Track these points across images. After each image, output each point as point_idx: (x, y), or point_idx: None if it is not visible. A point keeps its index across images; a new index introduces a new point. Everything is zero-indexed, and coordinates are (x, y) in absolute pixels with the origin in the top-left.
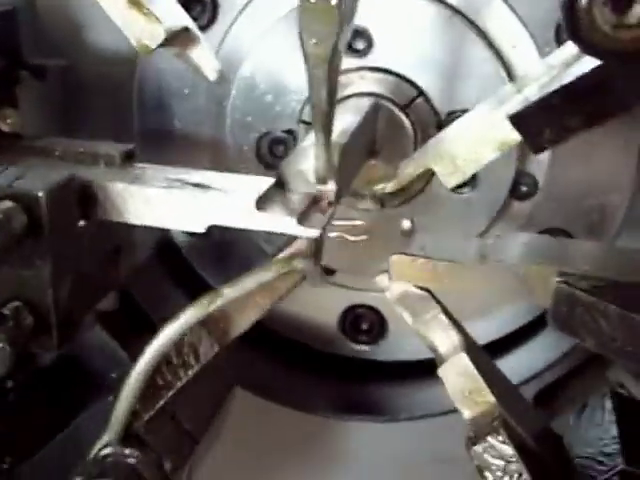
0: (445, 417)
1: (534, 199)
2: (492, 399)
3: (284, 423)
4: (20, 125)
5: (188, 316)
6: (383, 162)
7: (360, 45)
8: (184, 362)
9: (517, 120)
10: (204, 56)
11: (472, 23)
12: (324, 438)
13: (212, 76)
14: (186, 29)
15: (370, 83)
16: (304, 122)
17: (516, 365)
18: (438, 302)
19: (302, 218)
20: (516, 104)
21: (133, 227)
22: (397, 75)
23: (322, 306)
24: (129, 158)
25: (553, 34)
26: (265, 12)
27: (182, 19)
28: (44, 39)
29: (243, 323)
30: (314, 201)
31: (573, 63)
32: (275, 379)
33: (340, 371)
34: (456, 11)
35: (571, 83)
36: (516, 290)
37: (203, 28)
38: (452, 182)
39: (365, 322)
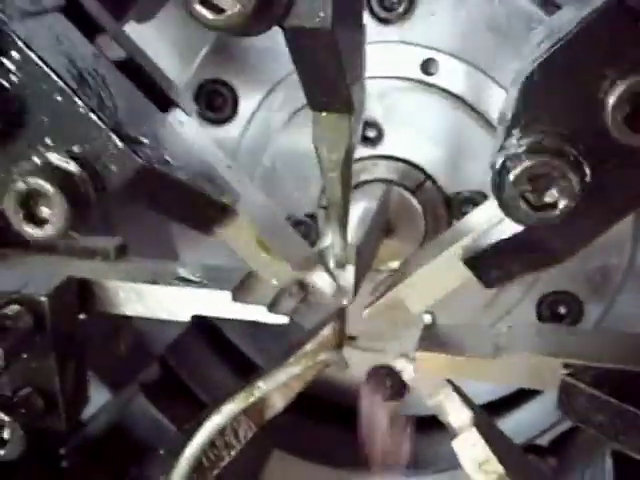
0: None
1: None
2: (501, 469)
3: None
4: None
5: (229, 410)
6: (398, 240)
7: (371, 134)
8: (226, 444)
9: (469, 262)
10: (323, 278)
11: (474, 110)
12: None
13: (330, 291)
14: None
15: (382, 170)
16: (323, 207)
17: (529, 418)
18: (450, 382)
19: (272, 306)
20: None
21: None
22: (406, 162)
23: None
24: (122, 251)
25: None
26: (283, 104)
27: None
28: None
29: (277, 406)
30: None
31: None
32: (309, 438)
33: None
34: (460, 100)
35: (504, 239)
36: (527, 379)
37: (225, 120)
38: (417, 309)
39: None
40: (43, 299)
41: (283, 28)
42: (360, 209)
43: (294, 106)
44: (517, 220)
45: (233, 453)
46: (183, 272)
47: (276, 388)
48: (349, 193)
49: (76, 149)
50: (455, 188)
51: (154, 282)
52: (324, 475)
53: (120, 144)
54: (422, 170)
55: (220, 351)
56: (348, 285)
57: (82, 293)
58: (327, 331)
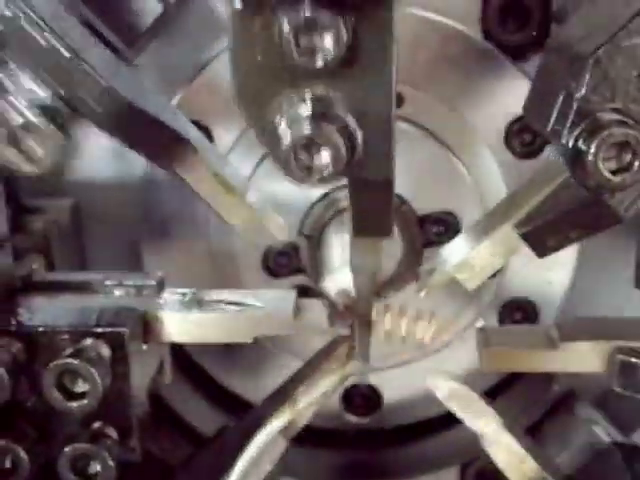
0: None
1: (498, 276)
2: (536, 466)
3: None
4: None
5: (276, 424)
6: None
7: None
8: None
9: (527, 236)
10: (273, 219)
11: (438, 138)
12: None
13: (281, 236)
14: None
15: None
16: (304, 235)
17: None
18: (480, 396)
19: (331, 322)
20: (518, 221)
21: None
22: None
23: None
24: (162, 285)
25: (503, 140)
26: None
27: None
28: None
29: (302, 421)
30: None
31: (561, 184)
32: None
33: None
34: (425, 129)
35: (572, 208)
36: (586, 364)
37: None
38: (472, 285)
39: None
40: (124, 330)
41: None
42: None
43: None
44: (597, 186)
45: (268, 469)
46: (232, 297)
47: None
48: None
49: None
50: (426, 210)
51: (212, 310)
52: None
53: (105, 84)
54: (397, 195)
55: (194, 380)
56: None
57: (144, 325)
58: (343, 348)
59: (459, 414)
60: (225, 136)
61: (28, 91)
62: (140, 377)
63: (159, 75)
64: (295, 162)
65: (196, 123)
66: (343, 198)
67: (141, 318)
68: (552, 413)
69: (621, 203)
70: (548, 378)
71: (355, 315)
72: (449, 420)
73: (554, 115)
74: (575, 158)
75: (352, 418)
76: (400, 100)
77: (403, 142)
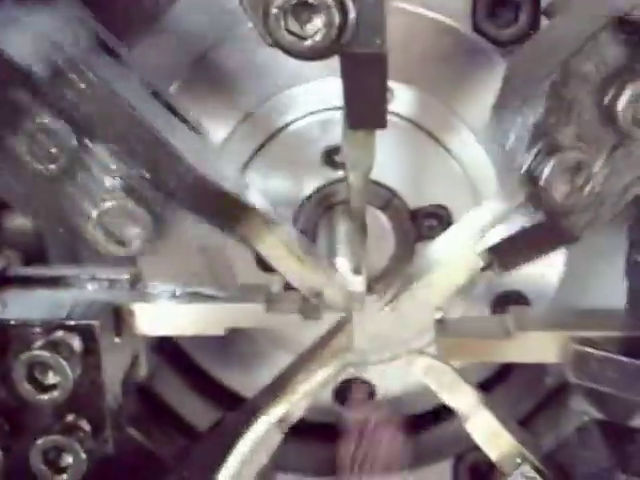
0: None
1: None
2: (512, 440)
3: None
4: None
5: (274, 413)
6: (370, 255)
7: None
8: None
9: (485, 255)
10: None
11: (429, 133)
12: None
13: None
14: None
15: None
16: (300, 231)
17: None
18: (454, 370)
19: (303, 314)
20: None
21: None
22: (375, 182)
23: None
24: (137, 279)
25: None
26: (251, 137)
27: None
28: None
29: (298, 412)
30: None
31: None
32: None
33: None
34: (416, 124)
35: (525, 230)
36: (541, 354)
37: None
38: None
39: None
40: (95, 323)
41: (342, 53)
42: (343, 234)
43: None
44: (552, 209)
45: (264, 461)
46: (205, 291)
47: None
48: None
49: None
50: (418, 204)
51: (187, 302)
52: None
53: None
54: (389, 189)
55: (189, 376)
56: (360, 291)
57: (116, 318)
58: (341, 337)
59: (435, 390)
60: (219, 130)
61: (112, 172)
62: (113, 370)
63: (153, 69)
64: (284, 26)
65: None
66: (336, 193)
67: (113, 311)
68: (545, 406)
69: (575, 225)
70: (540, 370)
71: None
72: (441, 413)
73: (512, 137)
74: (529, 180)
75: (345, 412)
76: (390, 94)
77: (395, 137)
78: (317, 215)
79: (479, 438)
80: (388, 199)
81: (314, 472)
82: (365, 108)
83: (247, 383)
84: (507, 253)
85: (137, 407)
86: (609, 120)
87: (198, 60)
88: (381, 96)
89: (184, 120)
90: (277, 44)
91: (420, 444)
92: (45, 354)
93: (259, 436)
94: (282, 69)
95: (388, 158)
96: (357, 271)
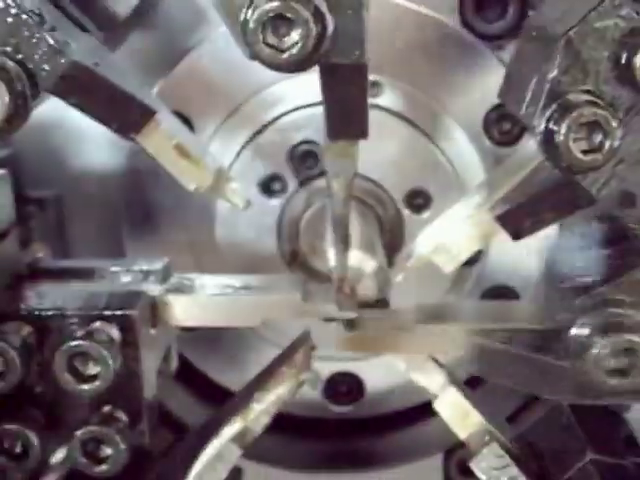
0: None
1: (479, 264)
2: (481, 419)
3: None
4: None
5: (228, 433)
6: None
7: None
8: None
9: (502, 219)
10: (234, 190)
11: (417, 126)
12: None
13: (242, 205)
14: (220, 169)
15: None
16: None
17: None
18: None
19: (339, 305)
20: (494, 204)
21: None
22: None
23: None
24: (169, 270)
25: (482, 128)
26: (239, 132)
27: (215, 161)
28: (32, 173)
29: (258, 429)
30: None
31: (535, 168)
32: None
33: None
34: (404, 118)
35: (545, 189)
36: (440, 347)
37: None
38: (449, 268)
39: (343, 385)
40: (134, 313)
41: (321, 64)
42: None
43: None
44: (569, 166)
45: (222, 477)
46: (239, 282)
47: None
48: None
49: (9, 49)
50: (403, 193)
51: (220, 293)
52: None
53: (52, 42)
54: (374, 181)
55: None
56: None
57: (152, 309)
58: (299, 354)
59: (405, 369)
60: (206, 125)
61: None
62: (149, 361)
63: (139, 65)
64: (262, 38)
65: (176, 113)
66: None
67: (149, 302)
68: (533, 401)
69: (594, 184)
70: None
71: (334, 231)
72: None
73: (527, 98)
74: (547, 139)
75: (334, 407)
76: (379, 89)
77: (381, 130)
78: (304, 208)
79: (448, 417)
80: (373, 191)
81: (303, 467)
82: (346, 119)
83: (236, 378)
84: (521, 218)
85: None
86: (626, 79)
87: (184, 55)
88: (361, 107)
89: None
90: (256, 57)
91: (411, 439)
92: (86, 344)
93: (214, 455)
94: None
95: (374, 151)
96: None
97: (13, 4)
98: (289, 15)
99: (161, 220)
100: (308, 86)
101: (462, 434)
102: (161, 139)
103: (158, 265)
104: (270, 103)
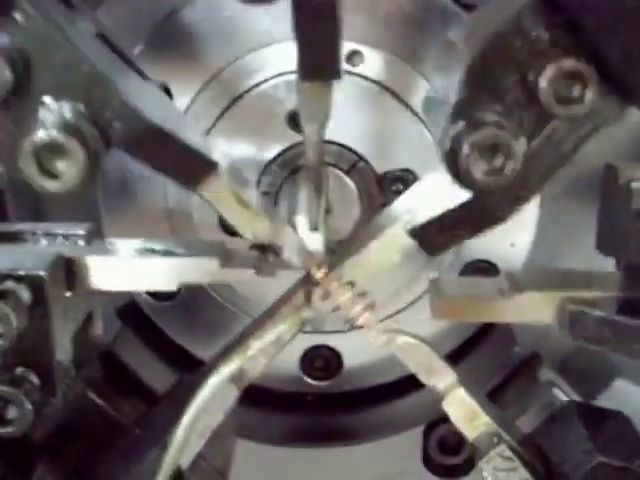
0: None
1: None
2: (489, 421)
3: (257, 458)
4: None
5: (226, 370)
6: (335, 219)
7: None
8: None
9: (414, 234)
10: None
11: (398, 96)
12: (296, 467)
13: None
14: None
15: None
16: (262, 192)
17: None
18: (430, 346)
19: (258, 270)
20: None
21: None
22: (340, 145)
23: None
24: (93, 235)
25: None
26: (220, 94)
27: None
28: None
29: (255, 370)
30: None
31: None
32: (246, 420)
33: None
34: (384, 87)
35: (454, 208)
36: (537, 314)
37: None
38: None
39: (321, 360)
40: (43, 274)
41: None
42: (304, 192)
43: (229, 98)
44: (472, 187)
45: (221, 418)
46: (160, 246)
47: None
48: (324, 157)
49: (82, 107)
50: (385, 168)
51: (139, 256)
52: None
53: (127, 100)
54: (354, 152)
55: (157, 344)
56: (319, 249)
57: (68, 271)
58: (299, 294)
59: (412, 367)
60: (183, 93)
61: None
62: (63, 324)
63: (116, 31)
64: None
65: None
66: (301, 155)
67: (65, 264)
68: (514, 377)
69: (499, 204)
70: (510, 341)
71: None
72: (411, 383)
73: (439, 119)
74: (450, 158)
75: (311, 382)
76: (360, 58)
77: (362, 100)
78: (281, 178)
79: (456, 418)
80: (354, 163)
81: (280, 441)
82: (318, 59)
83: (212, 350)
84: (434, 234)
85: (99, 372)
86: (532, 99)
87: (164, 20)
88: (334, 46)
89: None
90: None
91: (390, 413)
92: None
93: (212, 393)
94: (251, 30)
95: (355, 122)
96: (314, 229)
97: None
98: None
99: (137, 187)
100: (290, 53)
101: (470, 435)
102: (221, 189)
103: (81, 229)
104: (249, 71)
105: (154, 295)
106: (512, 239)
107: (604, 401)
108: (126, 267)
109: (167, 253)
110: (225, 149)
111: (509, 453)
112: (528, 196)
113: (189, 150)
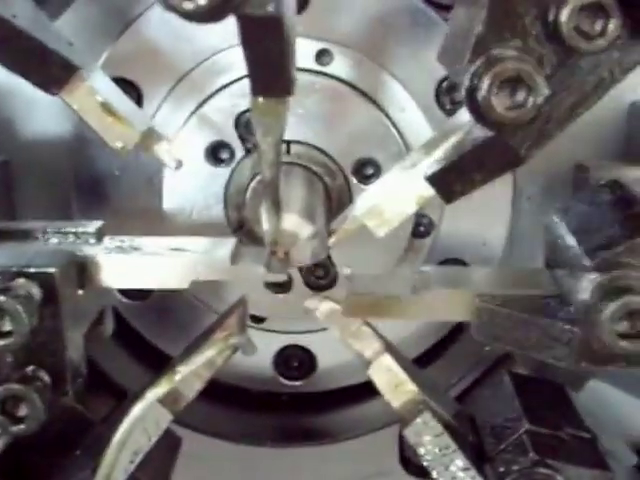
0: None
1: (431, 236)
2: (415, 388)
3: (231, 458)
4: None
5: (153, 395)
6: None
7: None
8: (147, 432)
9: (432, 179)
10: (166, 149)
11: (367, 96)
12: (270, 467)
13: (173, 165)
14: (150, 128)
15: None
16: None
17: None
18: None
19: (268, 267)
20: (427, 166)
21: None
22: (307, 144)
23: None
24: (102, 233)
25: (434, 98)
26: (187, 99)
27: (146, 120)
28: None
29: (190, 394)
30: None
31: (468, 130)
32: (220, 419)
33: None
34: (354, 87)
35: (474, 148)
36: (446, 313)
37: None
38: (381, 233)
39: (295, 360)
40: (54, 271)
41: (237, 16)
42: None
43: (197, 100)
44: (492, 122)
45: (153, 441)
46: (169, 244)
47: (191, 374)
48: (279, 172)
49: None
50: (350, 161)
51: (151, 254)
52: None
53: None
54: (323, 151)
55: (129, 343)
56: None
57: (79, 270)
58: (232, 319)
59: (339, 336)
60: (154, 92)
61: None
62: (75, 322)
63: (85, 31)
64: None
65: (124, 80)
66: None
67: (75, 261)
68: (487, 375)
69: (522, 143)
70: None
71: (265, 194)
72: None
73: (456, 55)
74: (470, 95)
75: (285, 382)
76: (329, 57)
77: (331, 99)
78: (253, 172)
79: (381, 384)
80: (322, 161)
81: (254, 441)
82: (267, 74)
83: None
84: (455, 177)
85: None
86: (553, 35)
87: (132, 22)
88: (283, 62)
89: None
90: (166, 6)
91: (366, 413)
92: (1, 299)
93: (140, 416)
94: (217, 31)
95: (324, 121)
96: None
97: None
98: None
99: (109, 188)
100: None
101: (395, 402)
102: (85, 95)
103: (91, 227)
104: (218, 71)
105: (127, 294)
106: (485, 238)
107: (578, 400)
108: (138, 265)
109: (178, 250)
110: (197, 147)
111: (433, 420)
112: (551, 134)
113: (50, 52)
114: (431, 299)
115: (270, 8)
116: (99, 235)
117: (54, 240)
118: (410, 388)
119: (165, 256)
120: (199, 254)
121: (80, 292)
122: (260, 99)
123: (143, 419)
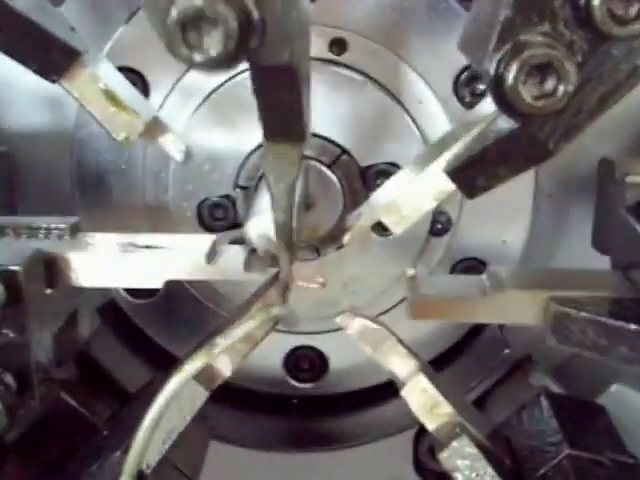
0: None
1: (449, 234)
2: (451, 410)
3: (239, 462)
4: None
5: (190, 368)
6: (318, 213)
7: None
8: (180, 409)
9: (454, 174)
10: (171, 141)
11: (383, 87)
12: (280, 472)
13: (179, 157)
14: (155, 118)
15: None
16: (240, 187)
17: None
18: (393, 333)
19: (246, 266)
20: (446, 159)
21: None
22: (322, 137)
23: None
24: (76, 229)
25: (452, 90)
26: (194, 90)
27: (151, 110)
28: None
29: (226, 370)
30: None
31: (491, 121)
32: (227, 423)
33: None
34: (369, 77)
35: (498, 140)
36: (518, 315)
37: None
38: (399, 230)
39: (306, 361)
40: (18, 269)
41: (250, 64)
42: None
43: (204, 92)
44: (520, 112)
45: (187, 420)
46: (143, 241)
47: (229, 348)
48: (292, 213)
49: None
50: (369, 161)
51: (122, 251)
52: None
53: None
54: (337, 145)
55: (135, 343)
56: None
57: (48, 268)
58: (273, 289)
59: (371, 354)
60: (160, 84)
61: None
62: (42, 323)
63: (90, 18)
64: (182, 37)
65: (130, 69)
66: None
67: (45, 260)
68: (504, 381)
69: (550, 135)
70: (500, 343)
71: (277, 235)
72: None
73: (480, 42)
74: (496, 83)
75: (296, 384)
76: (343, 46)
77: (346, 90)
78: (260, 171)
79: (415, 406)
80: (336, 156)
81: (265, 445)
82: (280, 121)
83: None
84: (477, 171)
85: (73, 372)
86: (585, 21)
87: (138, 8)
88: (296, 109)
89: None
90: (177, 56)
91: (379, 417)
92: None
93: (175, 392)
94: None
95: (338, 112)
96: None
97: None
98: (209, 14)
99: (113, 182)
100: None
101: (430, 425)
102: (87, 83)
103: (64, 223)
104: None
105: (133, 293)
106: (504, 236)
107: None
108: (110, 263)
109: (151, 248)
110: (202, 141)
111: (471, 444)
112: (581, 126)
113: (50, 37)
114: (502, 301)
115: (285, 58)
116: (73, 231)
117: (24, 237)
118: (446, 410)
119: (139, 254)
120: (174, 252)
121: (48, 291)
122: (272, 144)
123: (178, 396)
